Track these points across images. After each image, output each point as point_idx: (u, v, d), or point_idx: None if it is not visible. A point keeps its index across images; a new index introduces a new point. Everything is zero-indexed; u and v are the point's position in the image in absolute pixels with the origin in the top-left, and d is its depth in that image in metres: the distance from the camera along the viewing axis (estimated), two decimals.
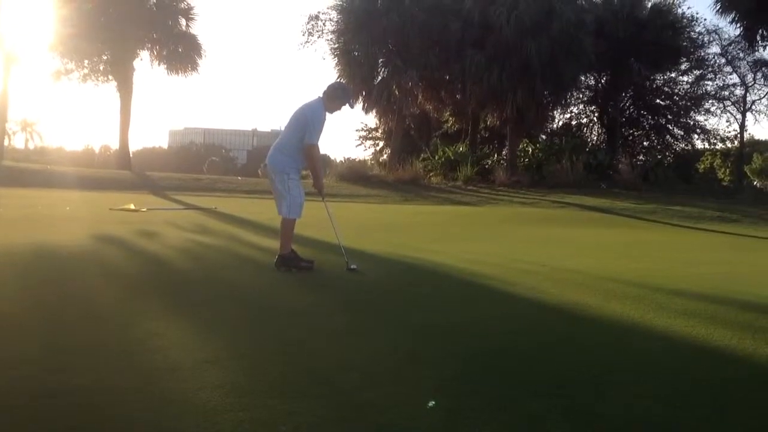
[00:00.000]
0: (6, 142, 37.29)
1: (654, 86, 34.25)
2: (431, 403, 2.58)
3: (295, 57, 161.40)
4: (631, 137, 35.96)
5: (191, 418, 2.41)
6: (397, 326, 3.99)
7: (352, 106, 6.19)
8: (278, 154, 5.93)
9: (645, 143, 36.22)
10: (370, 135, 42.84)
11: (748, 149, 41.67)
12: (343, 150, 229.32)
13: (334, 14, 30.26)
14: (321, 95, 5.93)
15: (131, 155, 33.90)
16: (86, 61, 30.87)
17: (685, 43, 31.22)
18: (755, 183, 43.31)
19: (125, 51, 30.25)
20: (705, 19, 49.98)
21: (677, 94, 34.69)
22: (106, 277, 5.52)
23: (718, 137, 35.50)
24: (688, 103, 34.37)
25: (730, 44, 31.85)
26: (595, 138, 34.63)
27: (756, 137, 51.25)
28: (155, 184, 22.93)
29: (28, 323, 3.82)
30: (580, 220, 15.30)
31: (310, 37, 32.13)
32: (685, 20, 31.29)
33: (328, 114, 5.94)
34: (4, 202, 13.60)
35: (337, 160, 47.03)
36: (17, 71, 35.37)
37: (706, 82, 34.01)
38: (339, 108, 5.99)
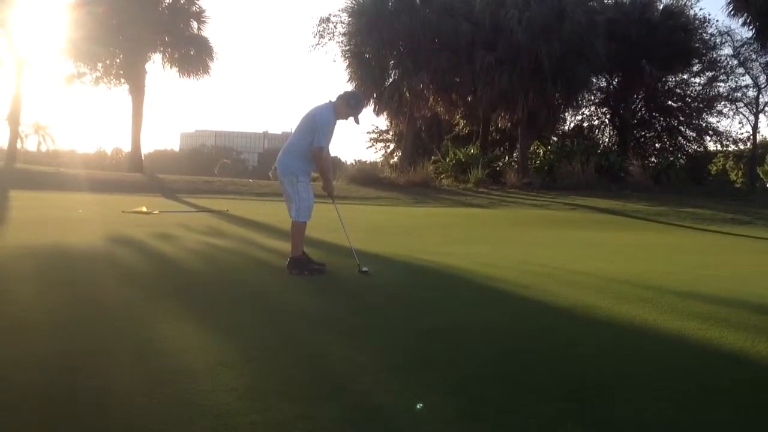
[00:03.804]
0: (19, 145, 37.61)
1: (666, 88, 34.14)
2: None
3: (305, 59, 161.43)
4: (642, 139, 35.87)
5: (205, 420, 2.42)
6: (409, 329, 4.00)
7: (357, 122, 6.12)
8: (287, 157, 5.94)
9: (657, 145, 36.12)
10: (381, 137, 42.94)
11: (761, 151, 41.42)
12: (354, 152, 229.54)
13: (344, 16, 30.44)
14: (334, 99, 5.95)
15: (143, 158, 34.11)
16: (99, 65, 31.08)
17: (697, 45, 31.13)
18: None
19: (137, 54, 30.45)
20: (717, 21, 50.00)
21: (689, 96, 34.57)
22: (119, 278, 5.56)
23: (731, 139, 35.42)
24: (701, 105, 34.24)
25: (742, 45, 31.72)
26: (606, 140, 34.57)
27: None
28: (167, 187, 23.03)
29: (41, 325, 3.84)
30: (592, 222, 15.24)
31: (321, 40, 32.37)
32: (697, 21, 31.25)
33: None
34: (17, 205, 13.73)
35: (348, 163, 47.07)
36: (30, 74, 35.57)
37: (718, 84, 33.96)
38: (347, 117, 5.99)
